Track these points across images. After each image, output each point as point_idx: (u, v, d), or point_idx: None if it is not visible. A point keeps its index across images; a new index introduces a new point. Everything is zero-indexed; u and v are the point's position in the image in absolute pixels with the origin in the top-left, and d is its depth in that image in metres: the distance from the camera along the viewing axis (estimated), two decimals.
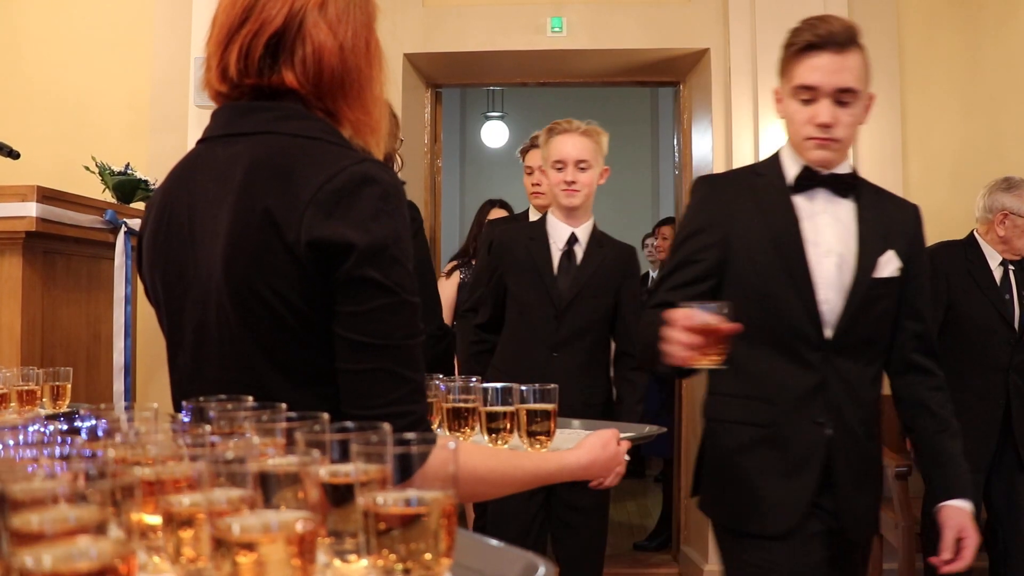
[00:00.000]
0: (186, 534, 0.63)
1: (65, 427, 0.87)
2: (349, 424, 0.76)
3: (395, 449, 0.66)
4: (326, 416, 0.81)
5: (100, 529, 0.51)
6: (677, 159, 4.81)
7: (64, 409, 2.11)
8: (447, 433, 1.58)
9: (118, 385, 3.16)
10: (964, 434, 3.20)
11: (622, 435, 1.47)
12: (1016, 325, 3.27)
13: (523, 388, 1.51)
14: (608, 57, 4.35)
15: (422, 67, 4.47)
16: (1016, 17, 4.08)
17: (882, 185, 3.96)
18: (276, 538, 0.57)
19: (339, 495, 0.69)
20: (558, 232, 2.79)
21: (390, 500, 0.64)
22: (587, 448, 1.38)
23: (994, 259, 3.35)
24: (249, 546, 0.57)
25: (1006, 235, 3.32)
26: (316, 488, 0.64)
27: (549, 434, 1.50)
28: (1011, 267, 3.34)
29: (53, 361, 2.79)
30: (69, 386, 2.19)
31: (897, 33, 4.12)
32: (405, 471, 0.66)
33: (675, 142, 4.88)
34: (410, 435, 0.69)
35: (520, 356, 2.73)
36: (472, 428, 1.56)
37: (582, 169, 2.72)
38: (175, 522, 0.63)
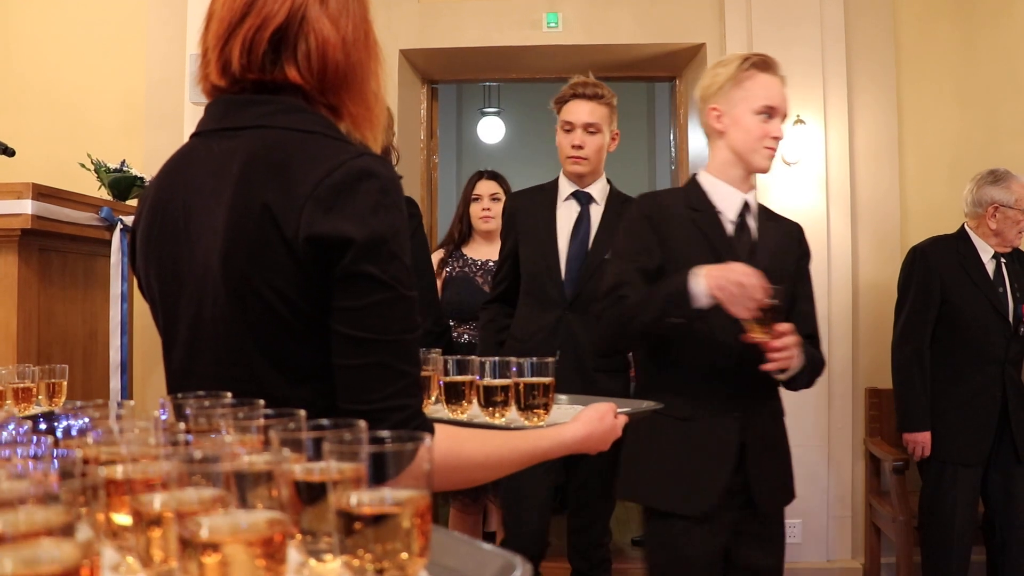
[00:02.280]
0: (156, 534, 0.62)
1: (45, 426, 0.86)
2: (324, 422, 0.75)
3: (370, 447, 0.65)
4: (302, 413, 0.80)
5: (66, 531, 0.51)
6: (673, 154, 4.81)
7: (60, 407, 2.11)
8: (444, 408, 1.56)
9: (115, 382, 3.16)
10: (961, 428, 3.24)
11: (620, 410, 1.45)
12: (1010, 318, 3.26)
13: (520, 361, 1.49)
14: (604, 52, 4.34)
15: (418, 63, 4.46)
16: (1012, 9, 4.07)
17: (879, 181, 4.02)
18: (242, 539, 0.57)
19: (313, 494, 0.68)
20: (726, 200, 2.17)
21: (360, 499, 0.63)
22: (583, 421, 1.36)
23: (986, 252, 3.34)
24: (214, 547, 0.56)
25: (998, 228, 3.31)
26: (288, 487, 0.64)
27: (547, 407, 1.49)
28: (1003, 260, 3.34)
29: (50, 359, 2.78)
30: (65, 383, 2.18)
31: (893, 26, 4.11)
32: (384, 470, 0.66)
33: (671, 137, 4.87)
34: (385, 433, 0.68)
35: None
36: (469, 402, 1.55)
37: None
38: (144, 522, 0.63)
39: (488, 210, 3.55)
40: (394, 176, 1.09)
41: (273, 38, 1.12)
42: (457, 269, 3.55)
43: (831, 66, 4.01)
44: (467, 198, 3.63)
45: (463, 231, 3.64)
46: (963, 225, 3.43)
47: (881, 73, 4.10)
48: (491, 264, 3.42)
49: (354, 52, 1.16)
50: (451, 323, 3.30)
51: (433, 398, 1.61)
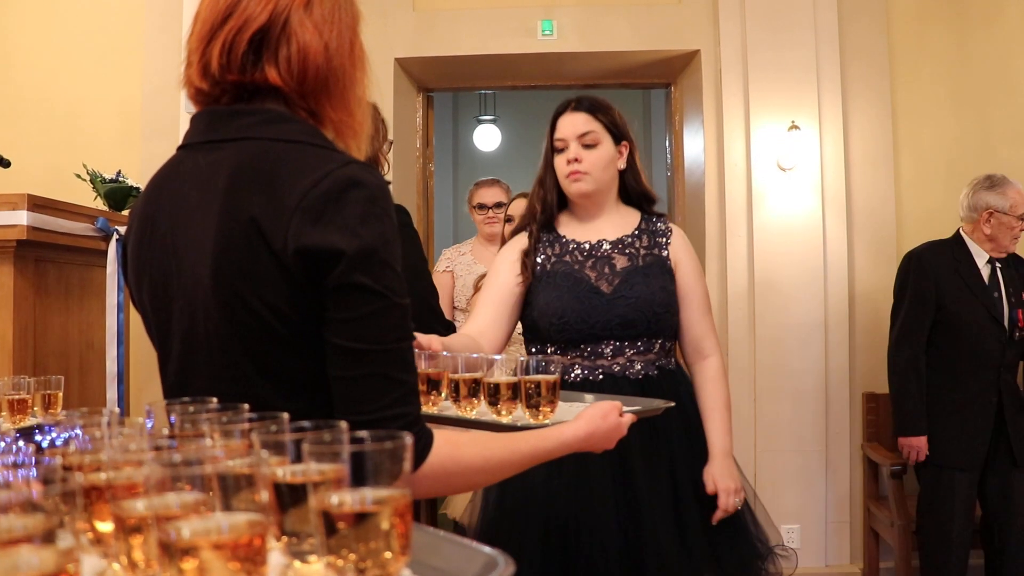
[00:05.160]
0: (137, 540, 0.62)
1: (40, 437, 0.86)
2: (306, 424, 0.75)
3: (349, 448, 0.65)
4: (285, 416, 0.80)
5: (46, 538, 0.51)
6: (669, 160, 4.82)
7: (57, 418, 2.10)
8: (452, 405, 1.57)
9: (111, 393, 3.15)
10: (957, 433, 3.25)
11: (628, 408, 1.44)
12: (1006, 323, 3.27)
13: (526, 359, 1.49)
14: (599, 59, 4.35)
15: (413, 71, 4.47)
16: (1004, 13, 4.09)
17: (874, 186, 4.03)
18: (220, 541, 0.57)
19: (295, 496, 0.68)
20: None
21: (340, 500, 0.63)
22: (586, 419, 1.35)
23: (981, 257, 3.35)
24: (194, 550, 0.56)
25: (993, 233, 3.32)
26: (268, 489, 0.63)
27: (552, 405, 1.48)
28: (998, 265, 3.34)
29: (46, 370, 2.77)
30: (61, 394, 2.18)
31: (886, 30, 4.13)
32: (364, 470, 0.66)
33: (667, 143, 4.88)
34: (364, 433, 0.68)
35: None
36: (478, 400, 1.54)
37: None
38: (126, 528, 0.63)
39: (577, 161, 2.15)
40: (382, 184, 1.08)
41: (254, 39, 1.11)
42: (553, 258, 2.16)
43: (825, 71, 4.02)
44: (549, 148, 2.23)
45: (548, 199, 2.22)
46: (959, 230, 3.44)
47: (875, 77, 4.11)
48: (606, 248, 2.15)
49: (336, 59, 1.15)
50: (551, 348, 2.11)
51: (443, 396, 1.61)
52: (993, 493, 3.28)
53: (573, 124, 2.18)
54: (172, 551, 0.56)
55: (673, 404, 1.67)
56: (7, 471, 0.61)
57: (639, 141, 2.30)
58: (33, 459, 0.69)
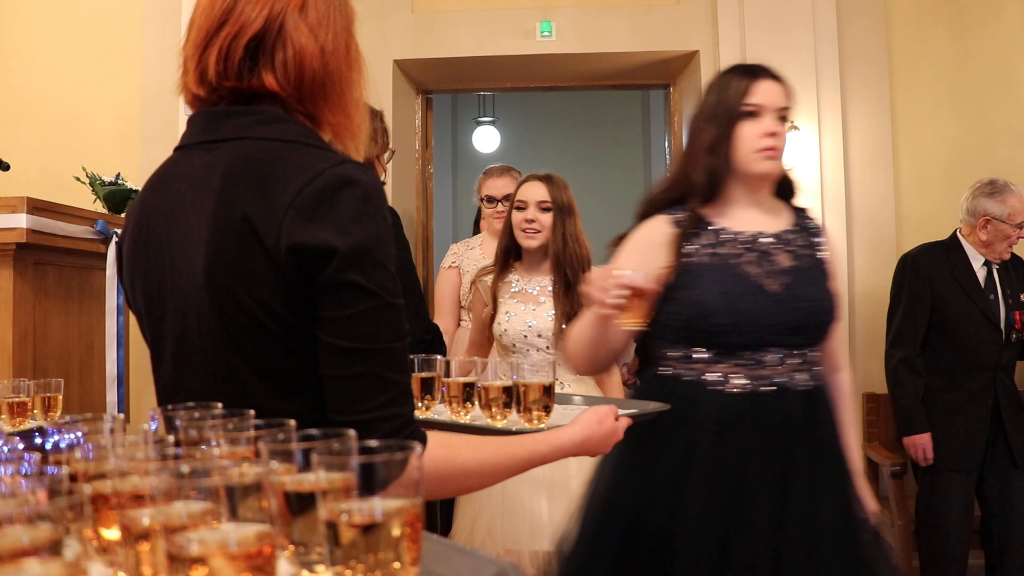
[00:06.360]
0: (145, 549, 0.62)
1: (40, 440, 0.86)
2: (314, 432, 0.75)
3: (359, 458, 0.65)
4: (292, 423, 0.79)
5: (53, 549, 0.50)
6: (668, 161, 4.82)
7: (56, 420, 2.10)
8: (447, 410, 1.56)
9: (111, 395, 3.15)
10: (954, 434, 3.25)
11: (624, 411, 1.43)
12: (1002, 325, 3.27)
13: (521, 362, 1.48)
14: (598, 60, 4.35)
15: (412, 73, 4.47)
16: (1003, 13, 4.09)
17: (873, 186, 4.03)
18: (230, 552, 0.56)
19: (303, 505, 0.68)
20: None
21: (350, 510, 0.63)
22: (582, 424, 1.35)
23: (977, 260, 3.35)
24: (202, 561, 0.56)
25: (988, 239, 3.32)
26: (276, 499, 0.63)
27: (547, 409, 1.48)
28: (995, 267, 3.34)
29: (46, 372, 2.77)
30: (60, 397, 2.17)
31: (885, 30, 4.12)
32: (374, 479, 0.65)
33: (666, 144, 4.88)
34: (374, 443, 0.68)
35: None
36: (473, 404, 1.54)
37: None
38: (133, 537, 0.62)
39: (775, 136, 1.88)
40: (376, 183, 1.08)
41: (250, 45, 1.11)
42: (707, 248, 1.81)
43: (824, 71, 4.02)
44: (733, 111, 1.85)
45: (719, 172, 1.83)
46: (956, 231, 3.44)
47: (874, 78, 4.11)
48: (765, 241, 1.84)
49: (332, 61, 1.15)
50: (703, 354, 1.76)
51: (437, 401, 1.60)
52: (992, 493, 3.28)
53: (775, 93, 1.88)
54: (181, 561, 0.56)
55: (668, 407, 1.58)
56: (13, 480, 0.61)
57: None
58: (37, 468, 0.69)
